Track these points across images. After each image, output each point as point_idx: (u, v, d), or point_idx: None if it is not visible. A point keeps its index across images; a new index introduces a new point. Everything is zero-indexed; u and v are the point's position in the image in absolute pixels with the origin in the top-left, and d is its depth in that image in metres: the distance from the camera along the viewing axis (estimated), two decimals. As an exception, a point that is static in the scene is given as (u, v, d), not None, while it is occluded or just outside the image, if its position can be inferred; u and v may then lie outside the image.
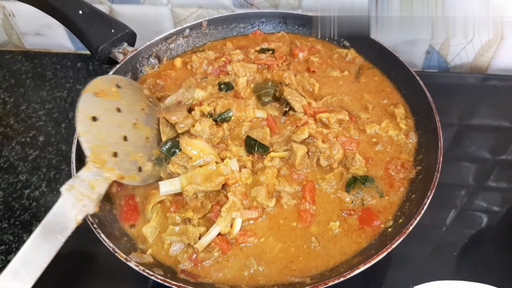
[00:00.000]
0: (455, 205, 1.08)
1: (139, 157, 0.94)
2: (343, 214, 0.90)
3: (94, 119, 0.89)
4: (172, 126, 1.02)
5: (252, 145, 0.98)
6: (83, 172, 0.84)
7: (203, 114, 1.05)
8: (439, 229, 1.04)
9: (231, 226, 0.87)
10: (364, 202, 0.91)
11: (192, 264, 0.83)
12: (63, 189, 0.81)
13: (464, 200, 1.09)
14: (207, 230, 0.86)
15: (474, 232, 1.03)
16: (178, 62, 1.24)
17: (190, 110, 1.07)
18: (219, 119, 1.04)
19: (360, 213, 0.90)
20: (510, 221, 1.06)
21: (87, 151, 0.85)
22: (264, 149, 0.98)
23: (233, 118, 1.05)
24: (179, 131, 1.01)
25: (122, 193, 0.95)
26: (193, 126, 1.00)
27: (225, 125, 1.04)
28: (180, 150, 0.95)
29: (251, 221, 0.89)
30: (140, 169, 0.93)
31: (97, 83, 0.94)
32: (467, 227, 1.04)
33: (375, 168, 0.97)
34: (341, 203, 0.92)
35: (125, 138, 0.93)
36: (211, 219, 0.87)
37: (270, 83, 1.11)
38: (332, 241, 0.87)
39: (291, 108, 1.06)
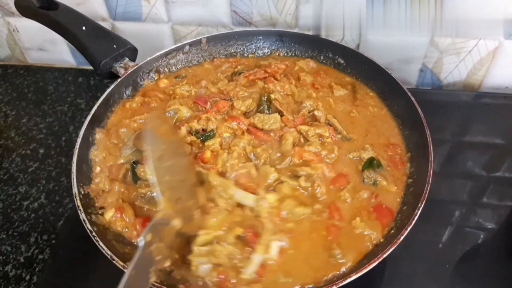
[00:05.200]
0: (449, 222, 1.09)
1: (192, 203, 0.86)
2: None
3: (160, 158, 0.82)
4: (138, 150, 1.03)
5: None
6: (158, 217, 0.76)
7: (189, 131, 1.05)
8: (432, 245, 1.05)
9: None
10: (377, 182, 0.97)
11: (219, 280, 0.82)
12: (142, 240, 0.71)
13: (458, 217, 1.10)
14: (237, 249, 0.84)
15: (468, 249, 1.04)
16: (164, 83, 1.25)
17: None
18: (203, 139, 1.03)
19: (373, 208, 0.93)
20: (503, 237, 1.07)
21: (160, 195, 0.78)
22: None
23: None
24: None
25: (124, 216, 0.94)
26: None
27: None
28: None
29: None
30: (191, 218, 0.84)
31: (151, 119, 0.94)
32: (461, 243, 1.05)
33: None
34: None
35: (181, 181, 0.87)
36: (247, 242, 0.86)
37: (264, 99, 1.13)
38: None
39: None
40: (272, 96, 1.12)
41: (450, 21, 1.33)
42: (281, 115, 1.08)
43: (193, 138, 1.03)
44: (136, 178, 0.99)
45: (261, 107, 1.12)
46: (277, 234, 0.86)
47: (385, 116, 1.14)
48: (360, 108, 1.16)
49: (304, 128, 1.05)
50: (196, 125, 1.05)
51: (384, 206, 0.93)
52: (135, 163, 1.00)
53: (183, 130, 1.04)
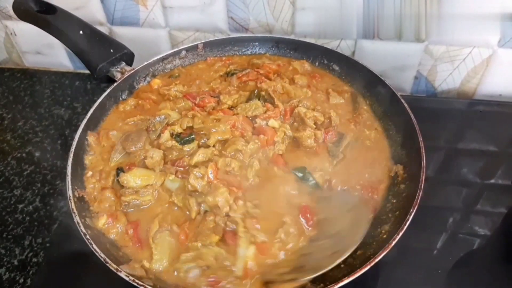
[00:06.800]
0: (443, 228, 1.09)
1: None
2: None
3: None
4: (127, 154, 1.03)
5: None
6: None
7: (172, 135, 1.03)
8: (426, 251, 1.05)
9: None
10: None
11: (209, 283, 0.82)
12: None
13: (452, 223, 1.11)
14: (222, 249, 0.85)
15: (462, 255, 1.04)
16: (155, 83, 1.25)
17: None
18: (181, 142, 1.02)
19: None
20: (496, 244, 1.08)
21: None
22: None
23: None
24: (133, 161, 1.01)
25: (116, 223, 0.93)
26: (145, 158, 0.99)
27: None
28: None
29: None
30: None
31: None
32: (455, 250, 1.05)
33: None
34: None
35: None
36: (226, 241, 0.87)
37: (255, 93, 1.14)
38: None
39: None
40: (264, 87, 1.12)
41: (446, 20, 1.33)
42: (272, 103, 1.08)
43: (174, 142, 1.02)
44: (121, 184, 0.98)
45: (252, 100, 1.11)
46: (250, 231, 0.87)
47: (379, 141, 1.11)
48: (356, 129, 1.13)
49: (302, 110, 1.06)
50: (177, 128, 1.04)
51: None
52: (120, 170, 1.00)
53: (167, 134, 1.03)
